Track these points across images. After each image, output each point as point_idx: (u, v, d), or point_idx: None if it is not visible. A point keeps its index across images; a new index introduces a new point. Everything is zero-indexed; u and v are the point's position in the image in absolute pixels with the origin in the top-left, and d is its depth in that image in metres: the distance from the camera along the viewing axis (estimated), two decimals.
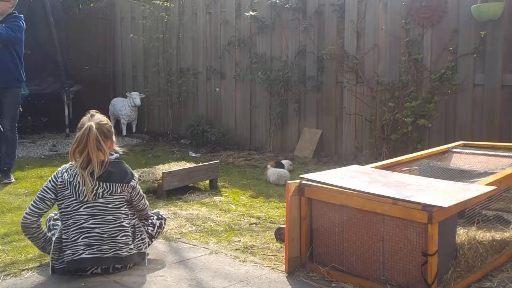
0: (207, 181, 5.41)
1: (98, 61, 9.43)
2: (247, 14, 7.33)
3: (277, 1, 7.10)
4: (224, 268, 3.14)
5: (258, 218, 4.32)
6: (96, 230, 2.96)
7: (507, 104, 5.63)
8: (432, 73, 5.99)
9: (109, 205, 3.01)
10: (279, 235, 3.62)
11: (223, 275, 3.01)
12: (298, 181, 3.11)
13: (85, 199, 2.97)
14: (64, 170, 3.05)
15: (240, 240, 3.69)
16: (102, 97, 9.17)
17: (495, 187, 2.87)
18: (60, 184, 3.01)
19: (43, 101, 9.62)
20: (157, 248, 3.45)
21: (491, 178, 3.11)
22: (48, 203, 3.01)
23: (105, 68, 9.41)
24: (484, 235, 3.09)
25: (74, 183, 2.98)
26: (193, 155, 7.26)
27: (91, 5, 9.82)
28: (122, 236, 3.01)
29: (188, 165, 5.50)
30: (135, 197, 3.13)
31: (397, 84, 6.20)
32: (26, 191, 5.11)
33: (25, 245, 3.54)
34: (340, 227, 2.94)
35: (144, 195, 3.25)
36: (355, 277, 2.86)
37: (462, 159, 4.05)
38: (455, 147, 4.31)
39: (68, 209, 2.99)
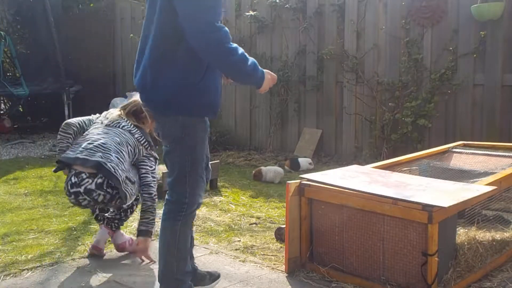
0: None
1: (98, 61, 9.44)
2: (247, 14, 7.33)
3: (277, 1, 7.10)
4: (224, 268, 3.14)
5: (258, 218, 4.31)
6: (101, 141, 3.16)
7: (507, 104, 5.63)
8: (432, 73, 5.99)
9: (123, 135, 3.24)
10: (279, 235, 3.62)
11: (223, 275, 3.00)
12: (298, 181, 3.10)
13: (108, 122, 3.29)
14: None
15: (240, 240, 3.69)
16: (102, 97, 9.17)
17: (495, 187, 2.87)
18: (97, 121, 3.37)
19: (43, 101, 9.64)
20: (157, 248, 3.44)
21: (491, 178, 3.11)
22: (91, 123, 3.36)
23: (105, 68, 9.41)
24: (484, 235, 3.09)
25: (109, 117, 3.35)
26: None
27: (91, 5, 9.83)
28: (115, 158, 3.11)
29: None
30: (141, 160, 3.32)
31: (397, 84, 6.20)
32: (26, 191, 5.11)
33: (25, 245, 3.55)
34: (340, 227, 2.94)
35: (155, 174, 3.46)
36: (355, 277, 2.86)
37: (462, 159, 4.05)
38: (455, 147, 4.31)
39: (90, 129, 3.31)
